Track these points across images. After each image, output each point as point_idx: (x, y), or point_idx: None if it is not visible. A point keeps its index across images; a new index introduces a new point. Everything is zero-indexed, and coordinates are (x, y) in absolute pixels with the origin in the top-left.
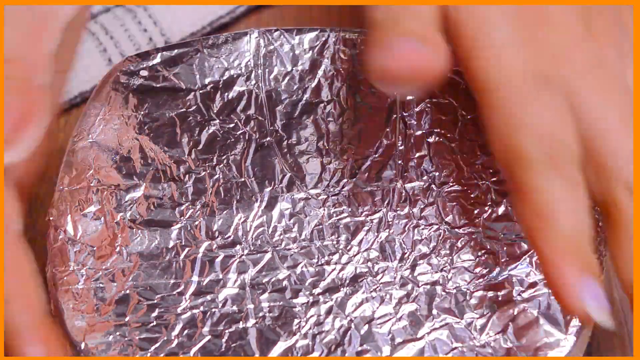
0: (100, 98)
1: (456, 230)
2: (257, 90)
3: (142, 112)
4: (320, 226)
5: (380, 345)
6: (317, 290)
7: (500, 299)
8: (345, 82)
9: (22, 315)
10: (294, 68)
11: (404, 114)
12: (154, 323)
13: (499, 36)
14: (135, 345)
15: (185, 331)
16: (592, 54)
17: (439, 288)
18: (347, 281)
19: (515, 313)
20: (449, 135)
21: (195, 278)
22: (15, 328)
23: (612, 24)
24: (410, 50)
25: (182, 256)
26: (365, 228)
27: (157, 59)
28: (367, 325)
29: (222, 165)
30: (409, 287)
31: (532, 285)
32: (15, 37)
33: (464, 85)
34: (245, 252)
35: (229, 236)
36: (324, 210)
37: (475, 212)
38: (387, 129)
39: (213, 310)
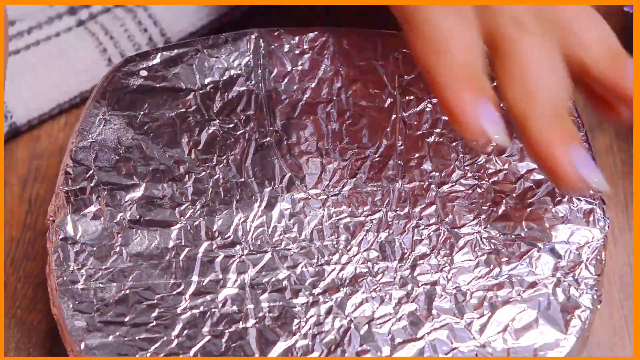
0: (100, 98)
1: (456, 230)
2: (257, 90)
3: (142, 112)
4: (320, 226)
5: (380, 345)
6: (317, 291)
7: (500, 299)
8: (345, 82)
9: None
10: (294, 68)
11: (404, 114)
12: (154, 323)
13: None
14: (135, 345)
15: (185, 331)
16: None
17: (438, 288)
18: (347, 281)
19: (515, 313)
20: (449, 135)
21: (195, 278)
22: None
23: None
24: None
25: (182, 256)
26: (365, 228)
27: (157, 59)
28: (367, 326)
29: (222, 165)
30: (409, 287)
31: (532, 285)
32: None
33: None
34: (245, 252)
35: (229, 236)
36: (324, 210)
37: (475, 212)
38: (387, 129)
39: (213, 310)
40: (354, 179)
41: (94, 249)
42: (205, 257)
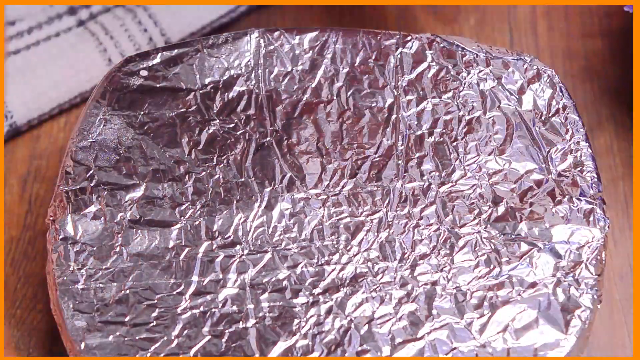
0: (100, 98)
1: (456, 230)
2: (257, 90)
3: (142, 112)
4: (320, 226)
5: (380, 345)
6: (317, 290)
7: (500, 299)
8: (345, 82)
9: None
10: (294, 68)
11: (404, 114)
12: (154, 323)
13: None
14: (136, 345)
15: (185, 331)
16: None
17: (438, 288)
18: (347, 281)
19: (516, 313)
20: (449, 135)
21: (195, 278)
22: None
23: None
24: None
25: (182, 256)
26: (365, 228)
27: (157, 59)
28: (367, 325)
29: (222, 165)
30: (409, 287)
31: (532, 285)
32: None
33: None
34: (245, 252)
35: (229, 236)
36: (324, 210)
37: (475, 212)
38: (387, 129)
39: (213, 310)
40: (354, 179)
41: (94, 248)
42: (205, 257)
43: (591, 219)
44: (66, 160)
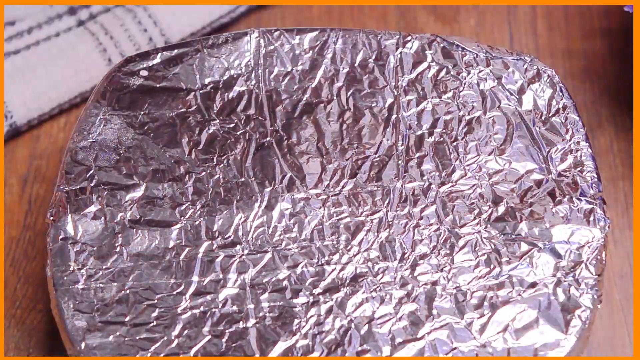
0: (100, 98)
1: (456, 230)
2: (257, 90)
3: (142, 112)
4: (320, 226)
5: (380, 345)
6: (317, 290)
7: (500, 299)
8: (345, 82)
9: None
10: (294, 68)
11: (404, 114)
12: (154, 323)
13: None
14: (136, 345)
15: (186, 331)
16: None
17: (439, 288)
18: (347, 281)
19: (516, 313)
20: (449, 135)
21: (195, 278)
22: None
23: None
24: None
25: (182, 256)
26: (365, 228)
27: (157, 59)
28: (367, 325)
29: (222, 165)
30: (409, 287)
31: (532, 285)
32: None
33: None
34: (246, 252)
35: (229, 236)
36: (324, 210)
37: (475, 212)
38: (387, 129)
39: (213, 310)
40: (354, 179)
41: (94, 249)
42: (205, 257)
43: (591, 219)
44: (66, 160)
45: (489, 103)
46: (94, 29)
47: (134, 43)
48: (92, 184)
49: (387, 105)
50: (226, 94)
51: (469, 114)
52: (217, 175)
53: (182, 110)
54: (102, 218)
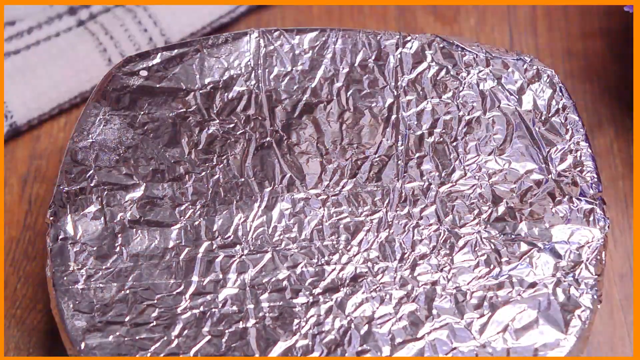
0: (100, 98)
1: (456, 230)
2: (257, 90)
3: (142, 112)
4: (320, 226)
5: (380, 345)
6: (317, 290)
7: (500, 299)
8: (345, 82)
9: None
10: (294, 68)
11: (404, 114)
12: (154, 323)
13: None
14: (135, 345)
15: (185, 331)
16: None
17: (438, 288)
18: (347, 281)
19: (515, 313)
20: (448, 135)
21: (195, 278)
22: None
23: None
24: None
25: (182, 256)
26: (365, 228)
27: (157, 59)
28: (367, 326)
29: (222, 165)
30: (409, 287)
31: (532, 285)
32: None
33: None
34: (245, 252)
35: (229, 236)
36: (324, 210)
37: (475, 212)
38: (387, 129)
39: (213, 310)
40: (354, 179)
41: (94, 249)
42: (205, 257)
43: (591, 219)
44: (66, 160)
45: (489, 103)
46: (94, 29)
47: (134, 43)
48: (92, 184)
49: (387, 105)
50: (226, 94)
51: (468, 114)
52: (217, 175)
53: (182, 110)
54: (102, 218)
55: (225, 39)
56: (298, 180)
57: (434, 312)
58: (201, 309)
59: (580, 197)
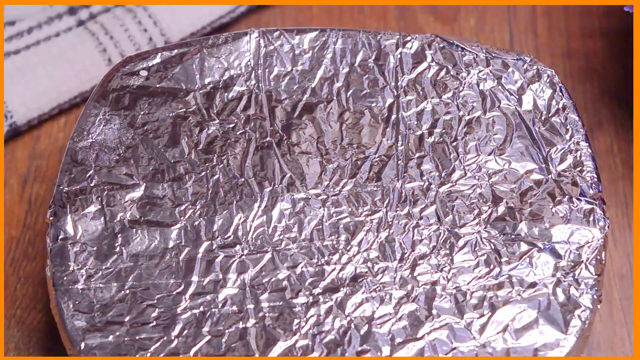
0: (100, 98)
1: (456, 230)
2: (257, 90)
3: (142, 112)
4: (320, 226)
5: (380, 345)
6: (317, 290)
7: (500, 299)
8: (345, 82)
9: None
10: (294, 68)
11: (404, 114)
12: (154, 323)
13: None
14: (135, 345)
15: (185, 331)
16: None
17: (438, 288)
18: (347, 281)
19: (515, 313)
20: (448, 135)
21: (195, 278)
22: None
23: None
24: None
25: (182, 256)
26: (365, 228)
27: (157, 59)
28: (367, 326)
29: (222, 165)
30: (409, 287)
31: (532, 285)
32: None
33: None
34: (245, 252)
35: (229, 236)
36: (324, 210)
37: (475, 212)
38: (387, 129)
39: (213, 310)
40: (354, 179)
41: (94, 249)
42: (205, 257)
43: (591, 219)
44: (66, 161)
45: (489, 103)
46: (94, 29)
47: (134, 43)
48: (92, 184)
49: (387, 105)
50: (226, 94)
51: (468, 114)
52: (217, 175)
53: (182, 110)
54: (102, 218)
55: (225, 39)
56: (298, 180)
57: (434, 312)
58: (201, 309)
59: (580, 197)
